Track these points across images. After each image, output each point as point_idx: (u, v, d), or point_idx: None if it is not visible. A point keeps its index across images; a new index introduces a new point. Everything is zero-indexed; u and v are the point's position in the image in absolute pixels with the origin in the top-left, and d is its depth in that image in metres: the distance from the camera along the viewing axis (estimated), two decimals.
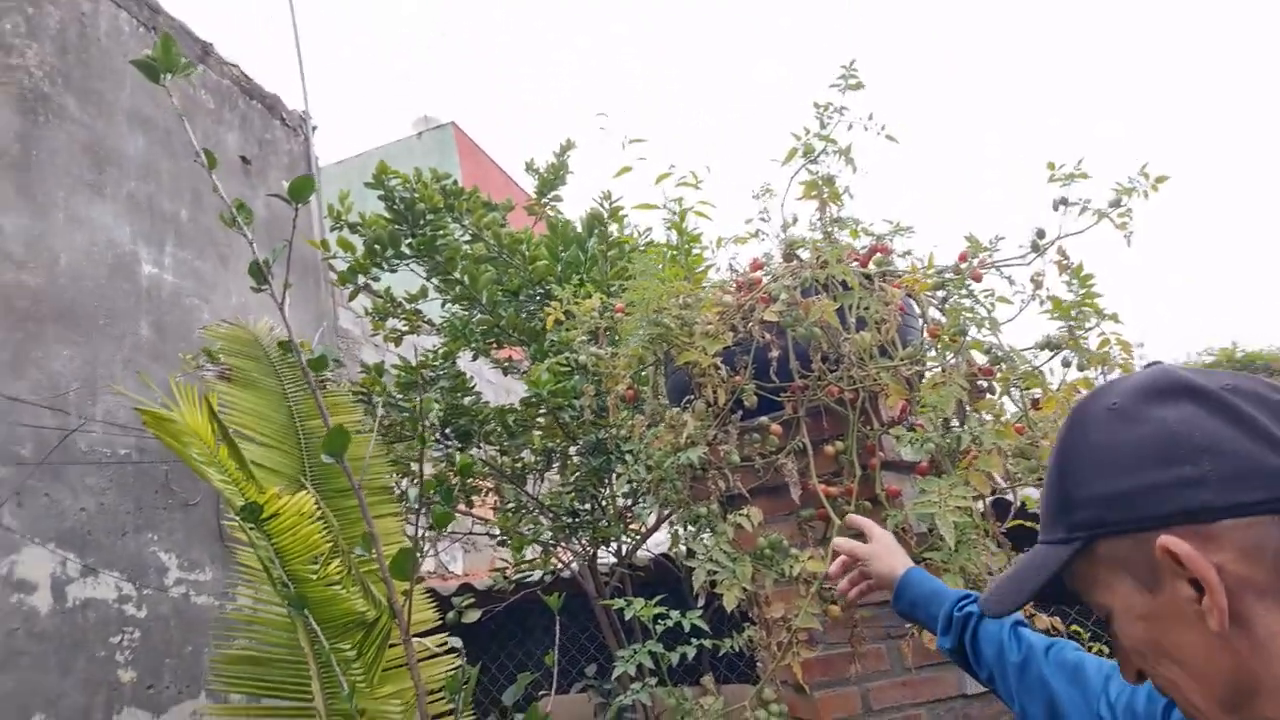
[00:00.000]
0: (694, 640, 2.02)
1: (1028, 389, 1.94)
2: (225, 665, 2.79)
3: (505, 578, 3.26)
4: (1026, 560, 0.76)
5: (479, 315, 3.75)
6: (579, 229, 3.59)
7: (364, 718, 2.10)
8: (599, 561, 3.80)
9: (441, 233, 3.44)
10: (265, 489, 2.53)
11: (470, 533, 4.11)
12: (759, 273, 2.41)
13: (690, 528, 2.03)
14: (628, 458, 2.02)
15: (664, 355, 2.36)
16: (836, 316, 1.99)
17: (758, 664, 1.97)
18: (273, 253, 2.16)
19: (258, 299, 6.18)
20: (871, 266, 2.34)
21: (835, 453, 2.18)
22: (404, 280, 4.28)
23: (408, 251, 3.50)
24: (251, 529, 2.54)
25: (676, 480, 2.02)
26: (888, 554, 1.36)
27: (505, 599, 3.29)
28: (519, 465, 3.86)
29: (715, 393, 2.10)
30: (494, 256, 3.87)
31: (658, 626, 1.98)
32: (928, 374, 2.04)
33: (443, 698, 3.03)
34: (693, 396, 2.20)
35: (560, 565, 3.96)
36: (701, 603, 2.01)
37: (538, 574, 3.99)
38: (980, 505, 1.80)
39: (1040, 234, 2.14)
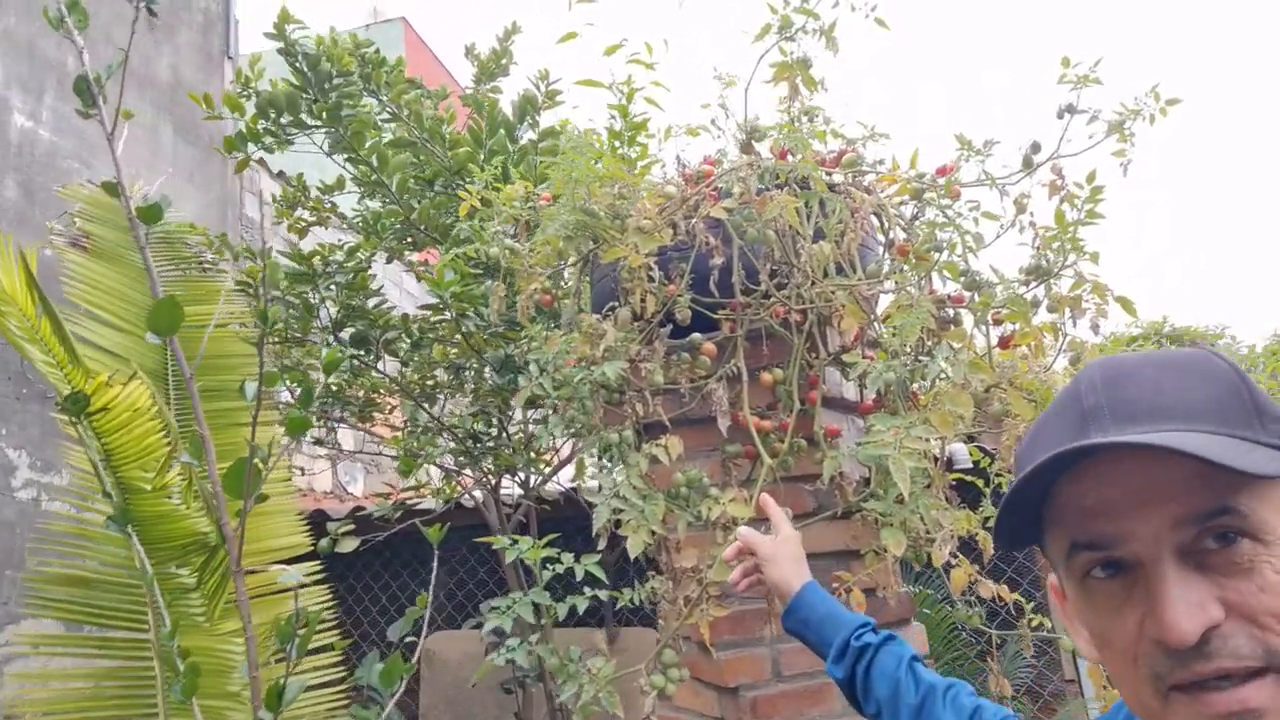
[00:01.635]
0: (588, 590, 1.71)
1: (1003, 322, 1.65)
2: (46, 585, 2.38)
3: (393, 503, 2.90)
4: (1229, 444, 0.61)
5: (390, 207, 3.31)
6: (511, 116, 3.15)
7: (192, 657, 1.74)
8: (504, 492, 3.48)
9: (349, 102, 2.96)
10: (96, 376, 2.10)
11: (361, 451, 3.73)
12: (715, 168, 2.05)
13: (598, 457, 1.70)
14: (532, 367, 1.66)
15: (590, 255, 2.00)
16: (797, 218, 1.65)
17: (659, 620, 1.68)
18: (107, 69, 1.70)
19: (155, 172, 5.55)
20: (839, 174, 2.01)
21: (773, 382, 1.87)
22: (323, 171, 3.78)
23: (308, 120, 3.02)
24: (78, 423, 2.11)
25: (587, 400, 1.68)
26: (789, 561, 1.31)
27: (391, 527, 2.94)
28: (430, 383, 3.48)
29: (643, 300, 1.75)
30: (414, 141, 3.41)
31: (546, 572, 1.66)
32: (888, 298, 1.73)
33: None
34: (617, 304, 1.85)
35: (462, 492, 3.61)
36: (603, 545, 1.70)
37: (436, 501, 3.65)
38: (936, 451, 1.51)
39: (1035, 147, 1.83)
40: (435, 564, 2.03)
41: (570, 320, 1.99)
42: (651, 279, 1.72)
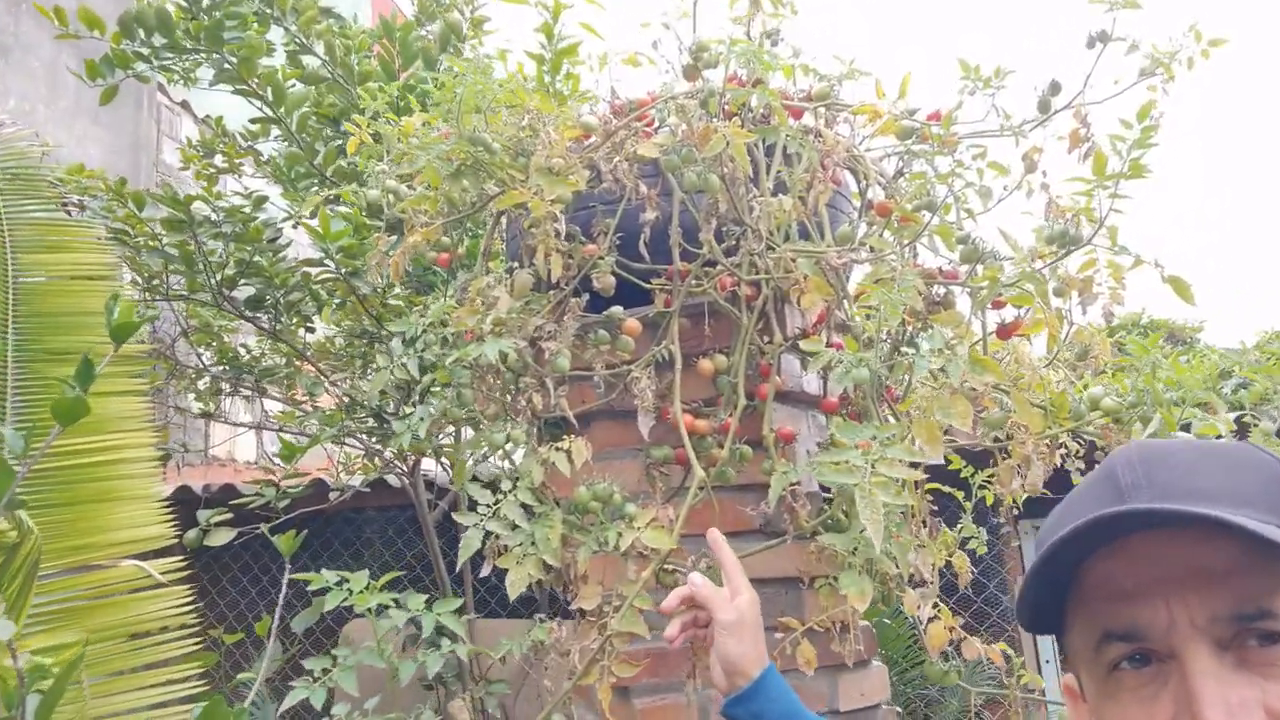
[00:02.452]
0: (442, 644, 1.31)
1: (1005, 305, 1.27)
2: None
3: (277, 487, 2.48)
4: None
5: (291, 150, 2.86)
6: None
7: None
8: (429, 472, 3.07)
9: (234, 24, 2.49)
10: None
11: (262, 426, 3.30)
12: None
13: (481, 457, 1.31)
14: (395, 344, 1.25)
15: (493, 202, 1.58)
16: (748, 160, 1.26)
17: (546, 676, 1.29)
18: None
19: (55, 111, 4.98)
20: (808, 119, 1.62)
21: (714, 371, 1.48)
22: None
23: (186, 43, 2.55)
24: None
25: (466, 388, 1.28)
26: (748, 632, 1.07)
27: (276, 515, 2.52)
28: (346, 348, 3.04)
29: (548, 260, 1.34)
30: (326, 77, 2.94)
31: (384, 621, 1.26)
32: (863, 270, 1.35)
33: (156, 640, 2.27)
34: (516, 265, 1.45)
35: (385, 469, 3.19)
36: (487, 570, 1.31)
37: (357, 479, 3.23)
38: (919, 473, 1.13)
39: (1054, 88, 1.45)
40: (286, 574, 1.62)
41: (464, 283, 1.58)
42: (559, 234, 1.32)
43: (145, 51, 2.57)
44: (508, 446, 1.29)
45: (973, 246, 1.22)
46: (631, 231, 1.51)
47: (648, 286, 1.55)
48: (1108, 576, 0.61)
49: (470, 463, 1.32)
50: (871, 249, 1.29)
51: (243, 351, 3.33)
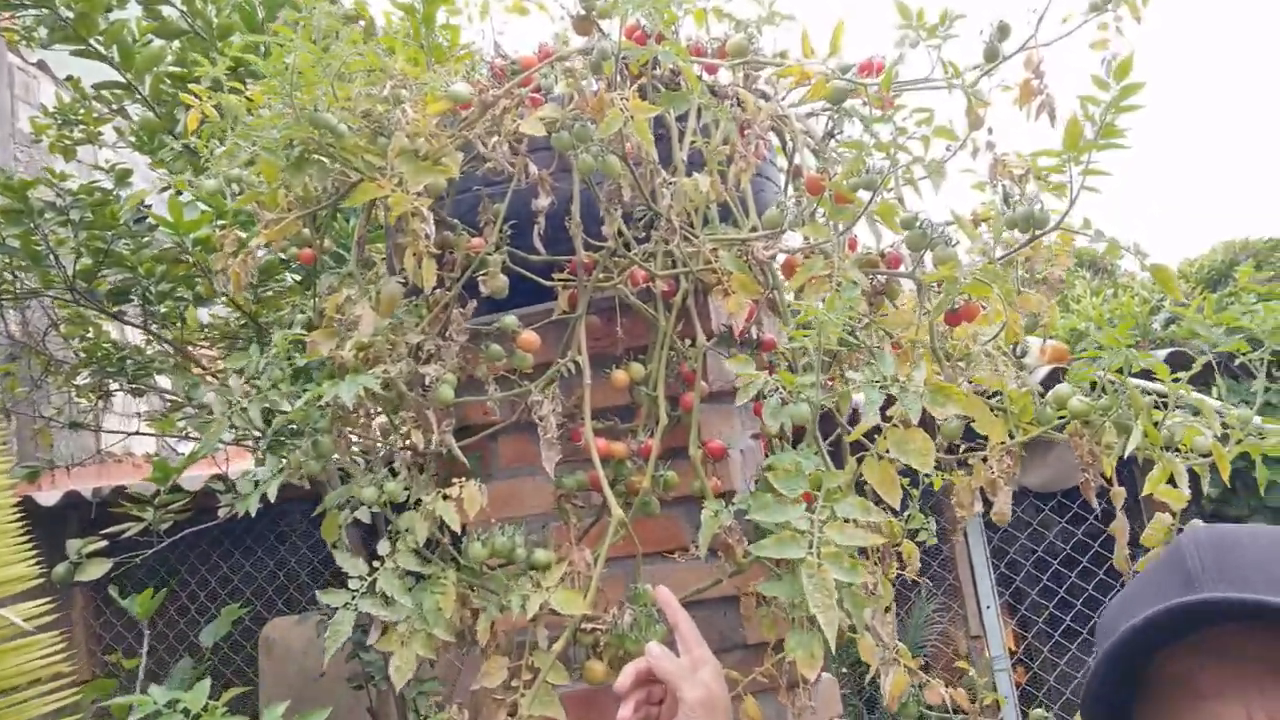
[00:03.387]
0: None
1: (966, 296, 1.08)
2: None
3: (155, 507, 2.19)
4: None
5: (146, 116, 2.50)
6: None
7: None
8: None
9: None
10: None
11: (135, 432, 2.99)
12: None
13: (348, 515, 1.08)
14: (233, 381, 1.01)
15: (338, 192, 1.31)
16: (651, 136, 1.03)
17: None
18: None
19: None
20: (724, 75, 1.39)
21: (630, 382, 1.27)
22: None
23: None
24: None
25: (324, 436, 1.04)
26: (720, 711, 0.93)
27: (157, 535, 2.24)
28: (241, 329, 2.71)
29: (419, 264, 1.10)
30: (185, 29, 2.56)
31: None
32: (799, 259, 1.14)
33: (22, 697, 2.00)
34: (380, 269, 1.20)
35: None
36: (373, 638, 1.09)
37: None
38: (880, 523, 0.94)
39: (1003, 30, 1.24)
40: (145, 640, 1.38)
41: (327, 289, 1.32)
42: (429, 236, 1.07)
43: None
44: (382, 503, 1.06)
45: (921, 231, 1.02)
46: (525, 218, 1.28)
47: (549, 283, 1.32)
48: (1185, 674, 0.58)
49: (343, 518, 1.09)
50: (805, 238, 1.08)
51: (118, 345, 2.98)
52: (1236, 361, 2.83)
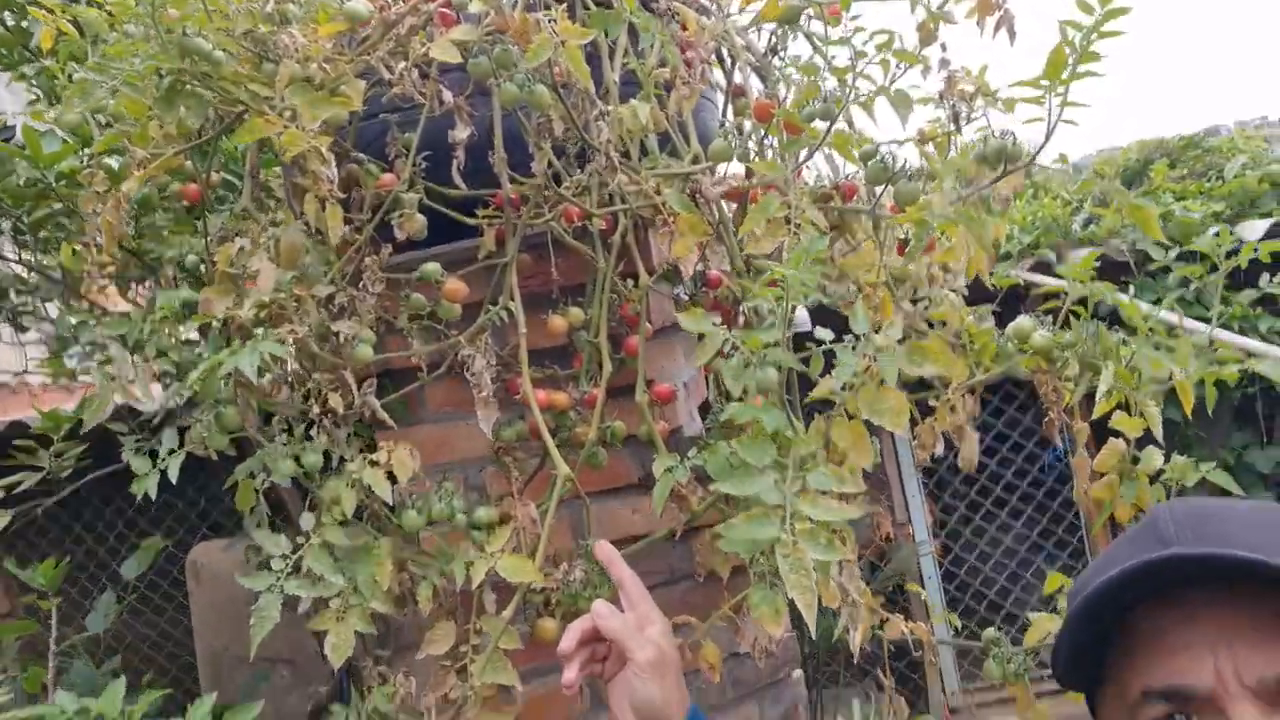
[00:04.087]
0: None
1: (916, 228, 1.02)
2: None
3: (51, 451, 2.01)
4: None
5: None
6: None
7: None
8: None
9: None
10: None
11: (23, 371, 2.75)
12: None
13: (265, 486, 0.99)
14: (113, 349, 0.88)
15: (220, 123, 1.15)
16: (587, 72, 0.91)
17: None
18: None
19: None
20: None
21: (568, 326, 1.19)
22: None
23: None
24: None
25: (228, 408, 0.93)
26: (671, 671, 0.88)
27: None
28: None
29: (322, 208, 0.97)
30: None
31: None
32: (747, 189, 1.05)
33: None
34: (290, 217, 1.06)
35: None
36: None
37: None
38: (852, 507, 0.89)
39: None
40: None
41: (218, 234, 1.18)
42: (331, 179, 0.94)
43: None
44: (308, 474, 0.97)
45: (882, 164, 0.95)
46: (441, 148, 1.14)
47: (472, 221, 1.20)
48: (1156, 628, 0.59)
49: (257, 484, 1.00)
50: (755, 172, 0.99)
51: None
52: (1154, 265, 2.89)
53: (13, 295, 2.67)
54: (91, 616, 3.03)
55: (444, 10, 1.09)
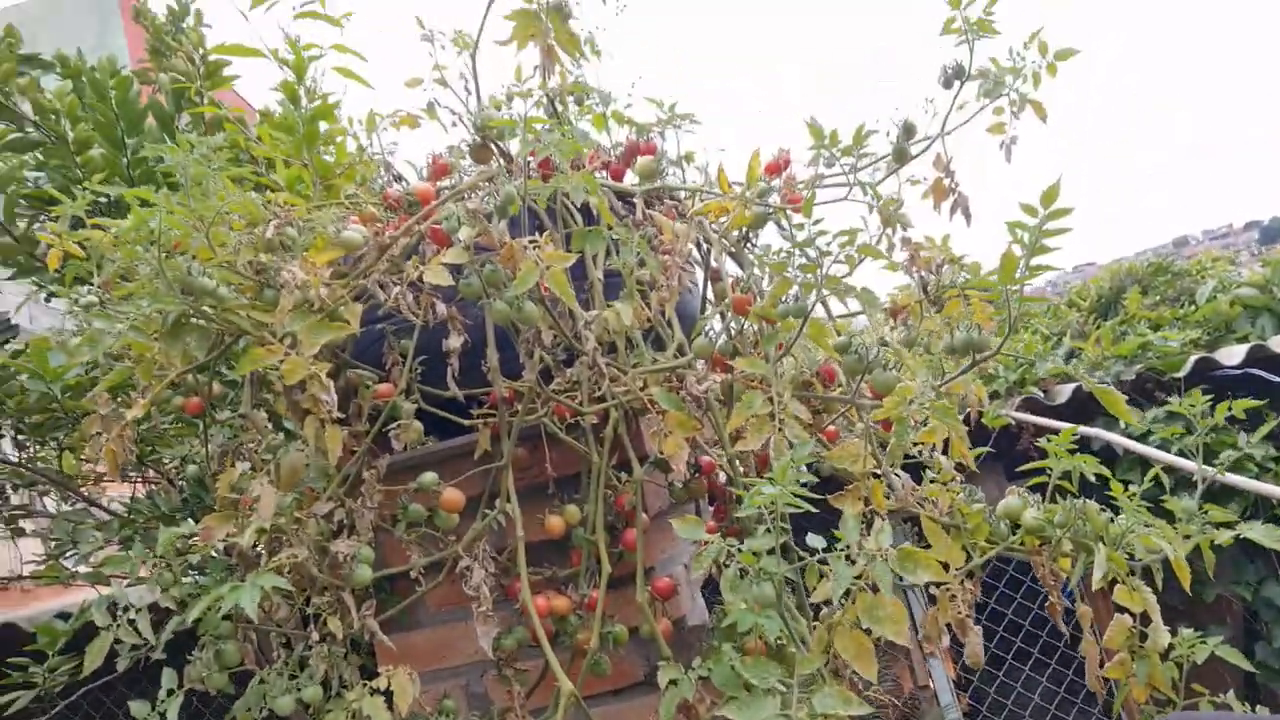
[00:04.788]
0: None
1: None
2: None
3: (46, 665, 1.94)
4: None
5: (4, 241, 2.28)
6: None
7: None
8: None
9: None
10: None
11: (16, 577, 2.71)
12: (438, 184, 1.31)
13: None
14: (111, 590, 0.87)
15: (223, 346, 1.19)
16: (573, 295, 0.96)
17: None
18: None
19: None
20: (630, 178, 1.34)
21: (565, 526, 1.19)
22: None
23: None
24: None
25: (227, 644, 0.92)
26: None
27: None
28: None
29: (321, 430, 0.99)
30: (41, 140, 2.37)
31: None
32: (738, 388, 1.09)
33: None
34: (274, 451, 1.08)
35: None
36: None
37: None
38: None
39: (908, 130, 1.24)
40: None
41: (221, 450, 1.19)
42: (330, 404, 0.97)
43: None
44: (305, 704, 0.94)
45: (857, 356, 0.98)
46: (435, 353, 1.18)
47: (467, 423, 1.23)
48: None
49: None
50: (741, 370, 1.03)
51: None
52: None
53: (10, 496, 2.66)
54: None
55: (435, 227, 1.16)
